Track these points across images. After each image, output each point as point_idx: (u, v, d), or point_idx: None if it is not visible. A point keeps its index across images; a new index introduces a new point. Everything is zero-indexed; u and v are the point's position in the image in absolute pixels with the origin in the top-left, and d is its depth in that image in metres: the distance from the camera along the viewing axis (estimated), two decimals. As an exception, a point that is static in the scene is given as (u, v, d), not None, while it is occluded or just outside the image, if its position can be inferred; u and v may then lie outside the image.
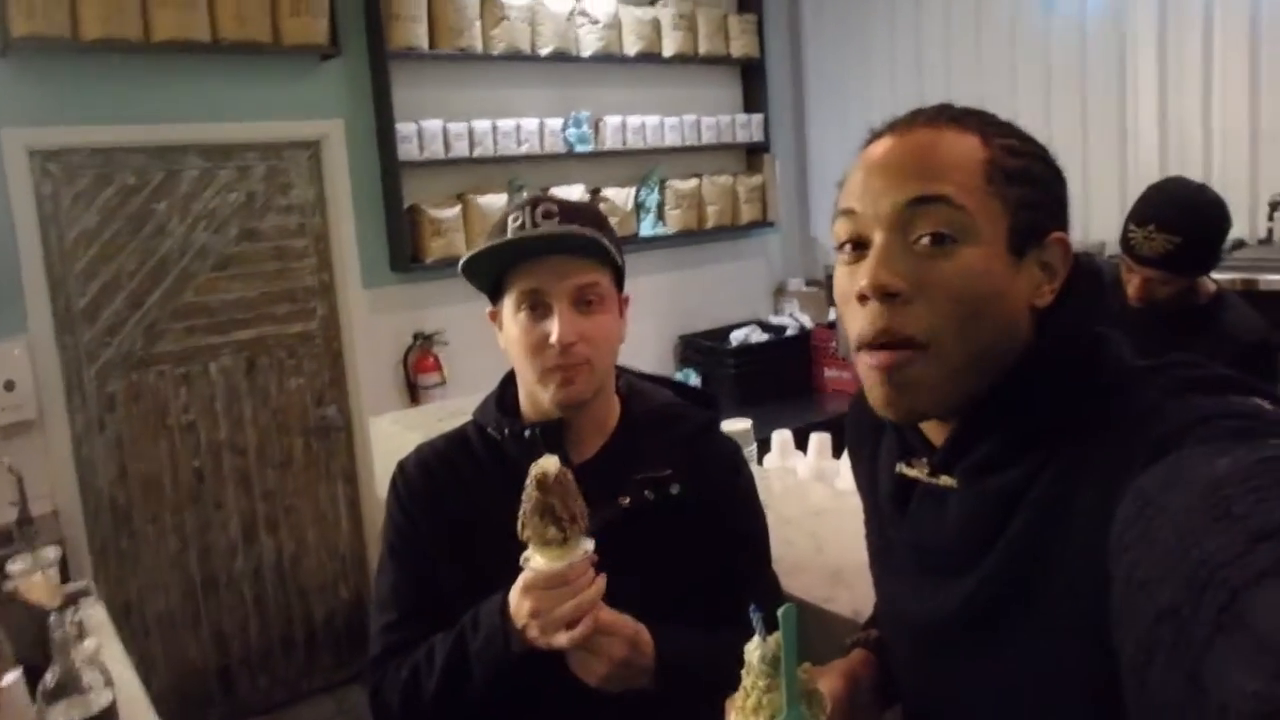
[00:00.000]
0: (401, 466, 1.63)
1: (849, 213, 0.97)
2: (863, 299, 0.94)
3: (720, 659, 1.22)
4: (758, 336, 5.25)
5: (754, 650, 1.02)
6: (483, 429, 1.60)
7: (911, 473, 1.04)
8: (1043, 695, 0.89)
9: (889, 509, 1.10)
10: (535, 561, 1.28)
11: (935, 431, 1.01)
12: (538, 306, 1.46)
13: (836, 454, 2.75)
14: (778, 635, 0.98)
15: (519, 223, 1.46)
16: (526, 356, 1.47)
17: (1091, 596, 0.78)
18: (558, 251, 1.46)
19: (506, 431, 1.54)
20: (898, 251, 0.92)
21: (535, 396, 1.52)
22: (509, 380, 1.63)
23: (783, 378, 5.08)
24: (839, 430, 2.77)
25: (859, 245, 0.96)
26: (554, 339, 1.43)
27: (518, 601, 1.32)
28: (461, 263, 1.50)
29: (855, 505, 2.41)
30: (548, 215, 1.46)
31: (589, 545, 1.29)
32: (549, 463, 1.26)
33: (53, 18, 3.38)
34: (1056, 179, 0.98)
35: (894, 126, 0.99)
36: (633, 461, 1.53)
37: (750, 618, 1.02)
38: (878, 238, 0.93)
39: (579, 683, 1.36)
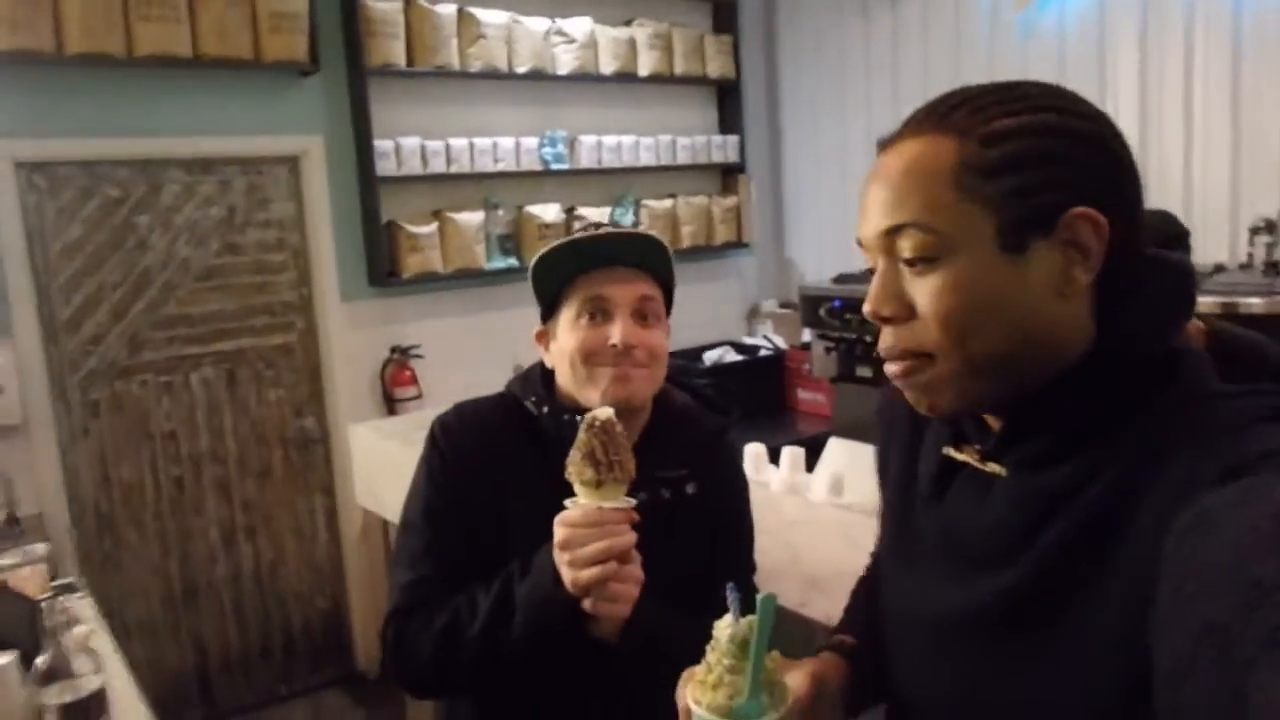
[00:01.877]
0: (442, 421, 1.62)
1: (859, 242, 0.98)
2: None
3: (685, 634, 1.25)
4: (731, 357, 5.20)
5: (725, 628, 0.99)
6: (520, 401, 1.61)
7: (961, 456, 1.01)
8: (1069, 698, 0.86)
9: (927, 491, 1.05)
10: (577, 501, 1.33)
11: (995, 418, 0.98)
12: (598, 314, 1.51)
13: (809, 468, 2.77)
14: (751, 618, 0.97)
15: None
16: (582, 361, 1.51)
17: (1137, 606, 0.77)
18: (622, 263, 1.52)
19: (546, 409, 1.57)
20: (891, 276, 0.93)
21: (582, 395, 1.54)
22: None
23: (756, 398, 4.99)
24: (812, 448, 2.83)
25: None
26: (615, 339, 1.48)
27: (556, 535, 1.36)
28: (534, 261, 1.54)
29: (829, 516, 2.49)
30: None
31: (630, 502, 1.33)
32: (602, 410, 1.33)
33: (36, 31, 3.41)
34: (1078, 144, 0.88)
35: (887, 140, 0.97)
36: (656, 459, 1.54)
37: (727, 596, 1.01)
38: (878, 263, 0.95)
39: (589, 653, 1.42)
